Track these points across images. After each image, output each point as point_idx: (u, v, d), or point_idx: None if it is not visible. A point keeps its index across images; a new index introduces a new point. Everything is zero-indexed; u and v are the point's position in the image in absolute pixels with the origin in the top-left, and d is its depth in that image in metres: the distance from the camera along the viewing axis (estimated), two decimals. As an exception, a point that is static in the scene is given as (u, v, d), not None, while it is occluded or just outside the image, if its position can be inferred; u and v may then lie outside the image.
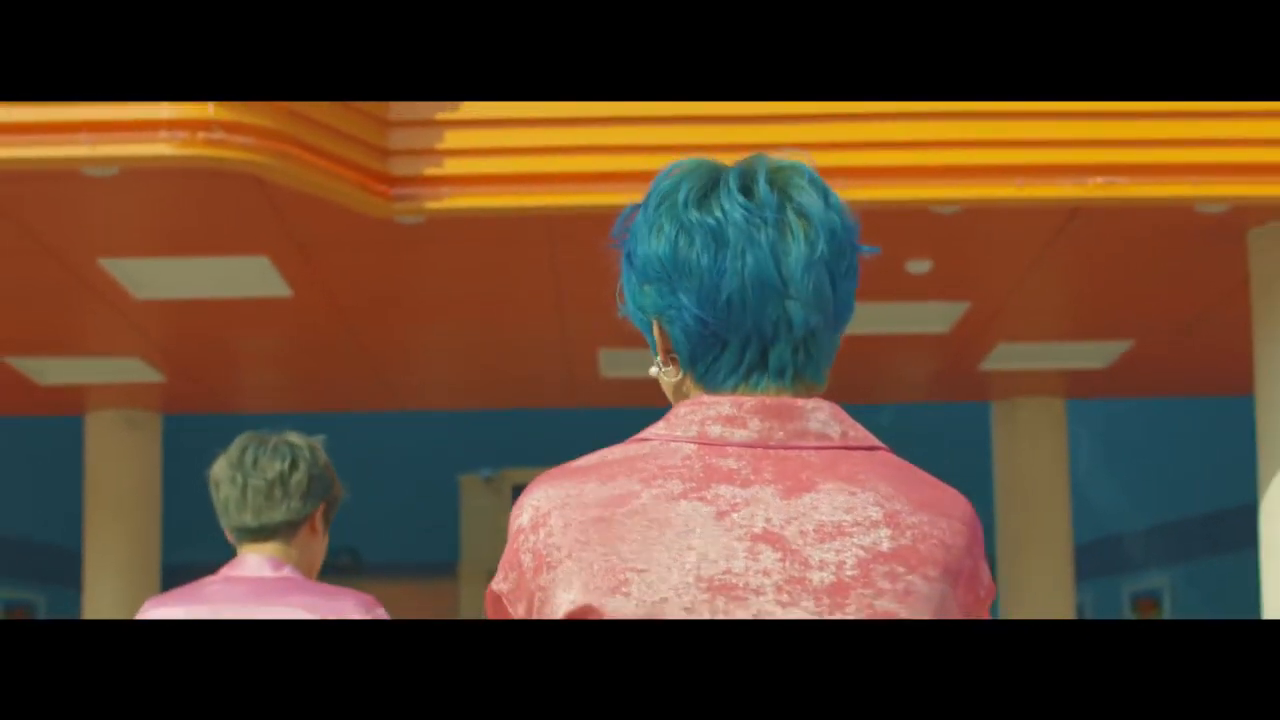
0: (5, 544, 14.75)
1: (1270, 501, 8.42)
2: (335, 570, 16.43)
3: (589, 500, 2.01)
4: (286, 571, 4.23)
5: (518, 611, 2.08)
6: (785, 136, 7.53)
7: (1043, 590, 12.32)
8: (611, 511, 1.99)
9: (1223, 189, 7.76)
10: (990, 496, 12.93)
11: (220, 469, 4.30)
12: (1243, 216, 8.28)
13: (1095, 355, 11.07)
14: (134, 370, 11.16)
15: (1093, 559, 14.96)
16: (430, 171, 7.57)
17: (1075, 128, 7.62)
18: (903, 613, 1.98)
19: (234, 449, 4.34)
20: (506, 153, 7.62)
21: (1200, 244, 8.65)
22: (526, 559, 2.02)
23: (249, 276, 9.04)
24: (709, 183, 2.12)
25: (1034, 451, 12.41)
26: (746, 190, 2.06)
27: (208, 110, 6.95)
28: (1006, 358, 11.06)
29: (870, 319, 10.00)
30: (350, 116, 7.48)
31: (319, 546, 4.38)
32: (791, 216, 2.07)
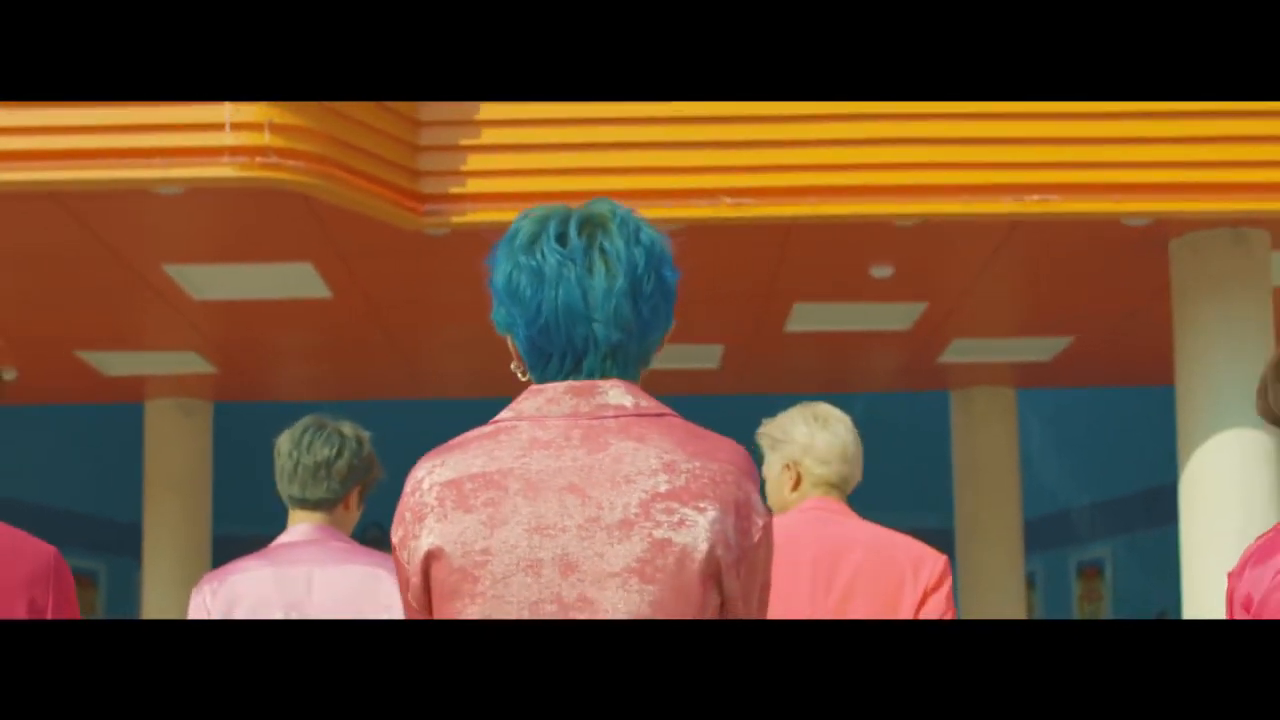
0: (72, 518, 14.95)
1: (1188, 478, 8.69)
2: (364, 542, 16.65)
3: (450, 469, 2.53)
4: (338, 538, 4.69)
5: (401, 557, 2.56)
6: (766, 159, 7.88)
7: (995, 559, 12.62)
8: (463, 475, 2.51)
9: (1146, 205, 8.04)
10: (949, 476, 13.13)
11: (283, 442, 4.80)
12: (1164, 229, 8.58)
13: (1040, 349, 11.36)
14: (189, 363, 11.40)
15: (1043, 532, 15.17)
16: (455, 190, 7.85)
17: (1014, 151, 7.91)
18: (677, 539, 2.45)
19: (297, 428, 4.81)
20: (518, 174, 7.91)
21: (1127, 253, 8.93)
22: (407, 515, 2.52)
23: (294, 280, 9.30)
24: (538, 230, 2.64)
25: (988, 435, 12.66)
26: (561, 238, 2.57)
27: (264, 137, 7.22)
28: (961, 352, 11.35)
29: (841, 318, 10.34)
30: (386, 143, 7.74)
31: (352, 518, 4.82)
32: (596, 257, 2.57)
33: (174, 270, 9.11)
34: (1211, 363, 8.64)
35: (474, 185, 7.88)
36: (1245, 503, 8.45)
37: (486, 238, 7.72)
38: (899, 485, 16.29)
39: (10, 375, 11.52)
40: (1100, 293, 9.89)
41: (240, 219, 8.26)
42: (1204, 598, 8.49)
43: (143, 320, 10.32)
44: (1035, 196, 7.90)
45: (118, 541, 14.56)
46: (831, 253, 8.91)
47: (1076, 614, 15.41)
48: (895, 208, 7.95)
